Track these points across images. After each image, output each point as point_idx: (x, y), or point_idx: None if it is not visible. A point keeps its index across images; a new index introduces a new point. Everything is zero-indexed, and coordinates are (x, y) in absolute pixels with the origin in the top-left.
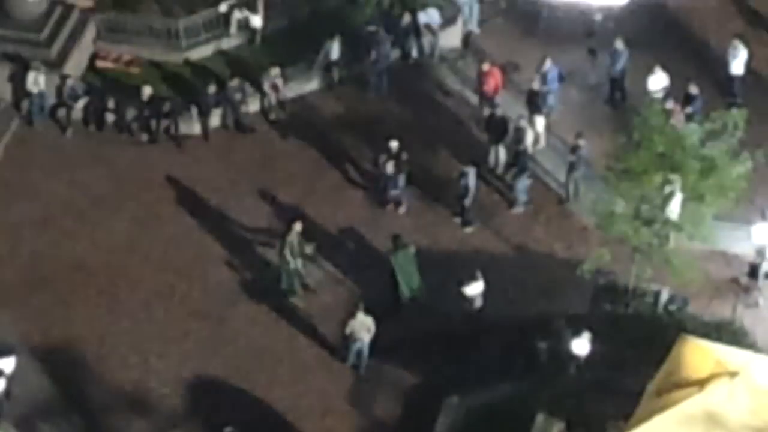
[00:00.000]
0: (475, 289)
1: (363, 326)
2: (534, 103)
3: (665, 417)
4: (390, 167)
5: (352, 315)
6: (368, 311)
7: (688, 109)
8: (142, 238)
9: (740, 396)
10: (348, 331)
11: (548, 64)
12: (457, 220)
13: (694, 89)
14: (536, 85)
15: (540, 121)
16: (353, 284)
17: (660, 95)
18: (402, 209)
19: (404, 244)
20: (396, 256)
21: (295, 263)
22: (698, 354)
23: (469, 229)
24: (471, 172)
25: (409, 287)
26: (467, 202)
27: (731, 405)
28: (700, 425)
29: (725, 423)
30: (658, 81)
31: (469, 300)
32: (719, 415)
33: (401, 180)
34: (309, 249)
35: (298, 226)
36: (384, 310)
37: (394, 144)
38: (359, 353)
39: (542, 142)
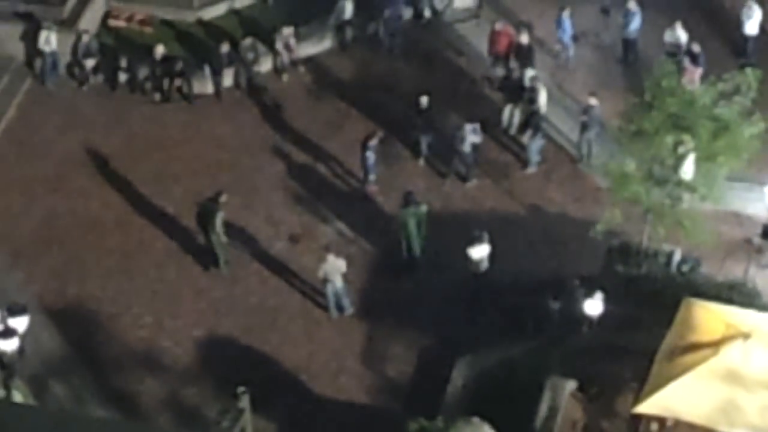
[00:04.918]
0: (480, 252)
1: (335, 269)
2: (523, 57)
3: (682, 381)
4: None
5: (323, 259)
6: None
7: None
8: (155, 196)
9: (755, 357)
10: (321, 274)
11: (566, 14)
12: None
13: (696, 48)
14: (524, 39)
15: (530, 73)
16: (365, 244)
17: (673, 50)
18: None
19: (416, 202)
20: (406, 212)
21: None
22: (707, 316)
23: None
24: (468, 129)
25: (409, 247)
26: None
27: (747, 366)
28: (717, 388)
29: (742, 384)
30: (674, 36)
31: (474, 262)
32: (735, 376)
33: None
34: None
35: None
36: (396, 269)
37: (424, 100)
38: (336, 295)
39: (543, 98)
